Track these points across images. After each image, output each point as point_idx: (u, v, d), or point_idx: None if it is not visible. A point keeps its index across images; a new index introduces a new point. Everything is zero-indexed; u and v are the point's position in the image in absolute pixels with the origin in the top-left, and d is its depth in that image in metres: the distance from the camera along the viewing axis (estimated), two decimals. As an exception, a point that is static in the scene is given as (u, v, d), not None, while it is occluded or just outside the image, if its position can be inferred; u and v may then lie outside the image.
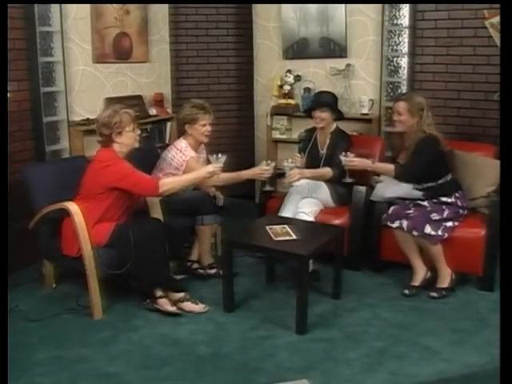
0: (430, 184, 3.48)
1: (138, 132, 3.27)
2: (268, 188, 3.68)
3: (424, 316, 3.14)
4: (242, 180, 3.61)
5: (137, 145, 3.26)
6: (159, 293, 3.14)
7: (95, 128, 3.25)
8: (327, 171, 3.75)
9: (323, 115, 3.80)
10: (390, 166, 3.52)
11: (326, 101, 3.88)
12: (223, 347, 2.84)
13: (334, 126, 3.91)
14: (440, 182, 3.49)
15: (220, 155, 3.27)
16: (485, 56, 4.10)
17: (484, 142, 3.92)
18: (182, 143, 3.70)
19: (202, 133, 3.66)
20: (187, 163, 3.60)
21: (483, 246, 3.35)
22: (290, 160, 3.60)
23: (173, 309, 3.11)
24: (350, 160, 3.51)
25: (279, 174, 4.51)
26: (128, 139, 3.18)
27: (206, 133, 3.67)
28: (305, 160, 3.93)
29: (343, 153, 3.55)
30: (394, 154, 3.72)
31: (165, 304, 3.11)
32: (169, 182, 3.19)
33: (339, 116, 3.93)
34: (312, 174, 3.76)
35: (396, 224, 3.41)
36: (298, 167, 3.74)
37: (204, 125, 3.65)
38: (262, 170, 3.51)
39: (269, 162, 3.52)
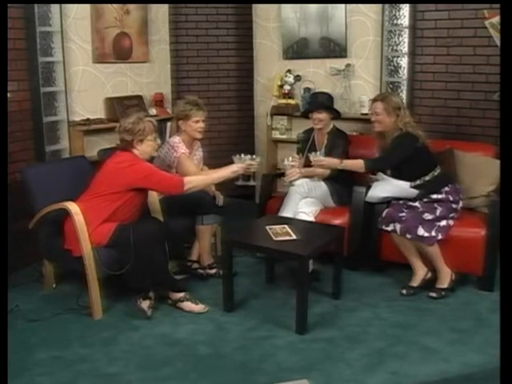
0: (418, 182, 3.48)
1: (159, 141, 3.32)
2: (241, 183, 3.65)
3: (424, 316, 3.14)
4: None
5: (155, 154, 3.32)
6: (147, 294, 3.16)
7: (116, 132, 3.26)
8: (324, 169, 3.74)
9: (321, 116, 3.82)
10: (359, 161, 3.54)
11: (323, 101, 3.90)
12: (223, 347, 2.84)
13: (331, 125, 3.92)
14: (427, 178, 3.48)
15: (243, 155, 3.31)
16: (485, 56, 4.10)
17: (484, 142, 3.92)
18: (175, 139, 3.70)
19: (196, 129, 3.66)
20: (178, 159, 3.60)
21: (483, 246, 3.34)
22: (290, 158, 3.62)
23: (147, 310, 3.10)
24: (318, 159, 3.54)
25: (279, 174, 4.52)
26: (148, 147, 3.22)
27: (199, 129, 3.66)
28: (303, 161, 3.93)
29: (312, 152, 3.57)
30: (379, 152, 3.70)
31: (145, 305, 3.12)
32: (194, 180, 3.24)
33: (336, 115, 3.95)
34: (309, 171, 3.76)
35: (390, 227, 3.41)
36: (293, 166, 3.74)
37: (197, 121, 3.64)
38: (247, 164, 3.41)
39: (254, 156, 3.44)
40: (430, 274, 3.44)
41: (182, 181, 3.17)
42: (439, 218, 3.38)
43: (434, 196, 3.44)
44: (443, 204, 3.42)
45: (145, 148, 3.21)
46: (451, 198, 3.45)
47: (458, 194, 3.49)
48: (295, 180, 3.64)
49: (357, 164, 3.55)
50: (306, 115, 3.99)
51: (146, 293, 3.14)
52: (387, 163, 3.56)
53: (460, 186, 3.57)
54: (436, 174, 3.51)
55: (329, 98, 3.99)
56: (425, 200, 3.45)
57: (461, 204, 3.49)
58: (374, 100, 3.62)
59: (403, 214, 3.41)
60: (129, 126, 3.16)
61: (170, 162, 3.62)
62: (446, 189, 3.47)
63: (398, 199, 3.51)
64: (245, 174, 3.49)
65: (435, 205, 3.42)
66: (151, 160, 3.56)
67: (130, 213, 3.23)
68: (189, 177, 3.28)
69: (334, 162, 3.58)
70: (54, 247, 3.24)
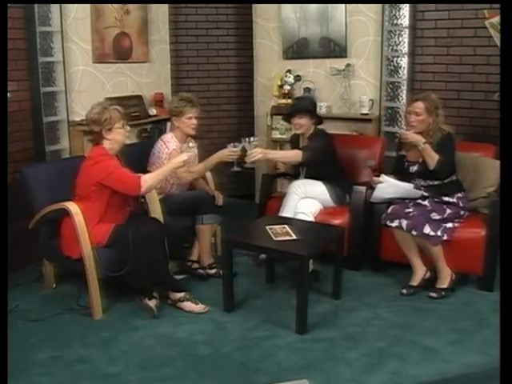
0: (436, 182, 3.48)
1: (128, 128, 3.27)
2: (236, 169, 3.61)
3: (424, 316, 3.14)
4: (214, 165, 3.59)
5: (127, 141, 3.28)
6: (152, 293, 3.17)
7: (85, 126, 3.24)
8: (296, 153, 3.70)
9: (301, 121, 3.75)
10: (436, 155, 3.37)
11: (304, 107, 3.81)
12: (223, 347, 2.84)
13: (312, 129, 3.83)
14: (446, 181, 3.48)
15: (191, 144, 3.35)
16: (485, 56, 4.10)
17: (484, 142, 3.92)
18: (168, 135, 3.72)
19: (189, 126, 3.65)
20: (169, 156, 3.60)
21: (483, 246, 3.34)
22: (252, 138, 3.50)
23: (155, 308, 3.11)
24: (404, 133, 3.50)
25: (279, 174, 4.50)
26: (118, 135, 3.18)
27: (192, 126, 3.66)
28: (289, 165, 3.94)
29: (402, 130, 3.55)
30: (405, 150, 3.62)
31: (151, 303, 3.13)
32: (148, 178, 3.14)
33: (318, 120, 3.85)
34: (277, 154, 3.76)
35: (395, 223, 3.40)
36: (278, 169, 3.85)
37: (190, 118, 3.64)
38: (230, 151, 3.48)
39: (236, 144, 3.44)
40: (429, 274, 3.44)
41: (139, 182, 3.08)
42: (446, 220, 3.38)
43: (446, 198, 3.44)
44: (453, 207, 3.42)
45: (115, 136, 3.17)
46: (461, 204, 3.45)
47: (466, 202, 3.50)
48: (257, 160, 3.50)
49: (433, 155, 3.37)
50: (287, 120, 3.91)
51: (149, 293, 3.14)
52: (449, 168, 3.44)
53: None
54: (454, 179, 3.51)
55: (311, 102, 3.91)
56: (435, 200, 3.44)
57: (467, 213, 3.49)
58: (415, 100, 3.48)
59: (410, 210, 3.41)
60: (95, 116, 3.13)
61: (162, 158, 3.63)
62: (459, 195, 3.47)
63: (403, 199, 3.51)
64: (229, 161, 3.54)
65: (444, 206, 3.42)
66: (150, 153, 3.55)
67: (115, 210, 3.20)
68: (145, 176, 3.16)
69: (417, 138, 3.40)
70: (53, 248, 3.24)
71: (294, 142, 3.99)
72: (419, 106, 3.43)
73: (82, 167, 3.18)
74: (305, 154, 3.65)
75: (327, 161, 3.75)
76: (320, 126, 3.90)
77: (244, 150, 3.46)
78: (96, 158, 3.12)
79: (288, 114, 3.89)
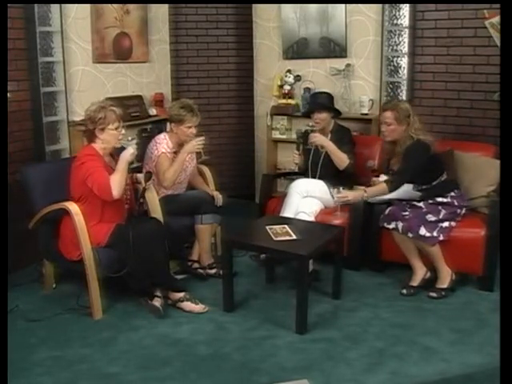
0: (424, 186, 3.49)
1: (123, 131, 3.21)
2: (204, 157, 3.80)
3: (424, 316, 3.15)
4: (185, 159, 3.62)
5: (118, 145, 3.21)
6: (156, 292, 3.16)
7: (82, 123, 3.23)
8: (344, 156, 3.76)
9: (322, 116, 3.86)
10: (382, 186, 3.48)
11: (323, 102, 3.95)
12: (223, 347, 2.84)
13: (332, 123, 3.94)
14: (434, 183, 3.49)
15: (130, 138, 3.27)
16: (485, 56, 4.10)
17: (484, 142, 3.92)
18: (161, 135, 3.71)
19: (187, 134, 3.63)
20: (158, 158, 3.60)
21: (483, 246, 3.34)
22: (310, 124, 3.87)
23: (161, 308, 3.11)
24: (342, 195, 3.52)
25: (279, 174, 4.54)
26: (110, 137, 3.14)
27: (190, 135, 3.63)
28: (302, 157, 3.95)
29: (335, 189, 3.56)
30: (388, 160, 3.68)
31: (156, 301, 3.13)
32: (113, 180, 3.04)
33: (337, 114, 3.99)
34: (332, 146, 3.77)
35: (392, 225, 3.41)
36: (296, 163, 3.96)
37: (190, 127, 3.62)
38: (197, 141, 3.55)
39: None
40: (429, 274, 3.44)
41: (110, 187, 3.02)
42: (442, 221, 3.38)
43: (440, 199, 3.44)
44: (448, 207, 3.42)
45: (106, 137, 3.13)
46: (456, 203, 3.45)
47: (463, 200, 3.50)
48: (316, 142, 3.78)
49: (381, 189, 3.48)
50: (307, 115, 4.02)
51: (150, 293, 3.14)
52: (407, 177, 3.47)
53: (463, 191, 3.56)
54: (443, 179, 3.52)
55: (329, 97, 4.04)
56: (430, 201, 3.45)
57: (464, 210, 3.49)
58: (384, 110, 3.56)
59: (406, 213, 3.40)
60: (90, 114, 3.12)
61: (152, 159, 3.62)
62: (452, 194, 3.47)
63: (401, 200, 3.51)
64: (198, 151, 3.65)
65: (439, 207, 3.42)
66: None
67: (117, 208, 3.19)
68: (111, 180, 3.06)
69: (358, 194, 3.53)
70: (53, 248, 3.24)
71: (305, 139, 3.99)
72: (388, 115, 3.48)
73: (71, 167, 3.16)
74: (349, 159, 3.77)
75: None
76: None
77: (306, 134, 3.87)
78: (82, 157, 3.11)
79: (308, 110, 4.07)
